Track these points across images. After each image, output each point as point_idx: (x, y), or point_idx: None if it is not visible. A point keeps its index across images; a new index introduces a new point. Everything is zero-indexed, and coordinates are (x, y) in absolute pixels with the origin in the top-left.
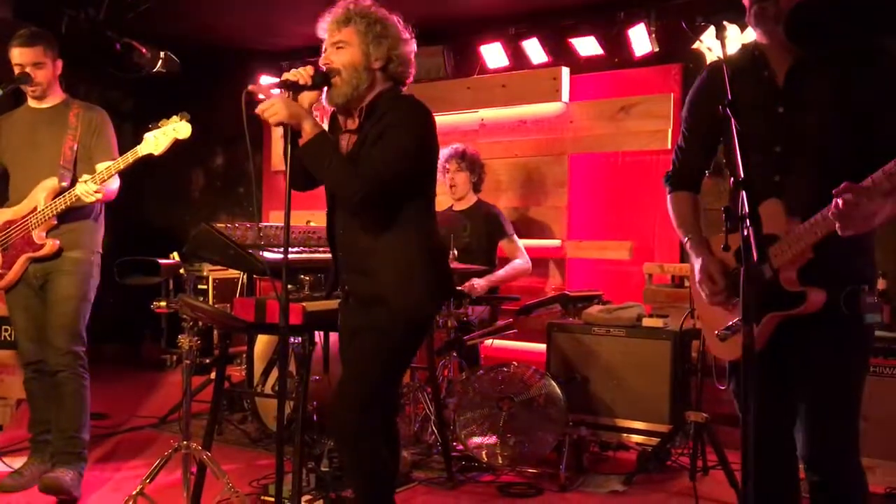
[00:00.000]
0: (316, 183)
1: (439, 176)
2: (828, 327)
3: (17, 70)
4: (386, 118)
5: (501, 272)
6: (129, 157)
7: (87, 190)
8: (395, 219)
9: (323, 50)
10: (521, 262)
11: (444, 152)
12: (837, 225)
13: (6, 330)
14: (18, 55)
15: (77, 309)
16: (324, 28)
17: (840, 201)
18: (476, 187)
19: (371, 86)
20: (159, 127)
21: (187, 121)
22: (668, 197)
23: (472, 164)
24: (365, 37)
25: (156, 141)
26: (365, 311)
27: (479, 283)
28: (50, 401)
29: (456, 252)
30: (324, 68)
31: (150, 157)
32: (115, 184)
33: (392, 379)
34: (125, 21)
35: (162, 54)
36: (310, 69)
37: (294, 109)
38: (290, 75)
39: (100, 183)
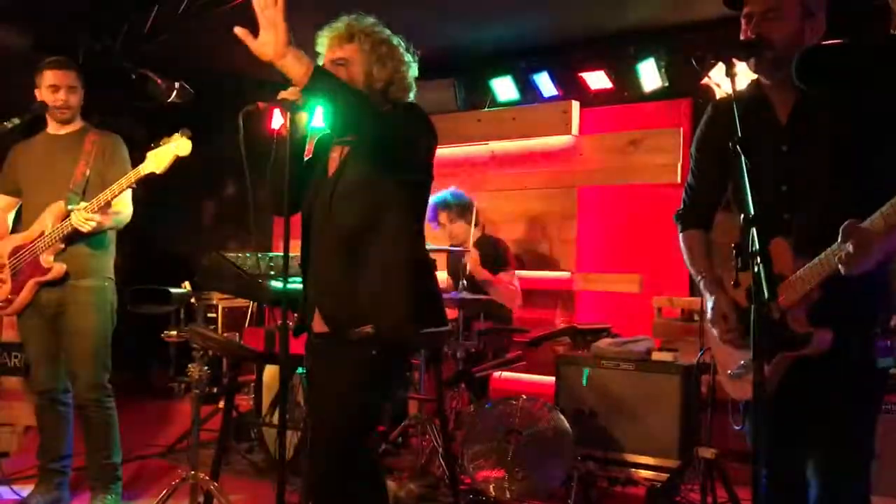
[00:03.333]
0: (298, 207)
1: (433, 228)
2: (839, 372)
3: (50, 91)
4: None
5: (492, 276)
6: (132, 176)
7: (80, 219)
8: (376, 230)
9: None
10: (510, 287)
11: (431, 204)
12: (842, 267)
13: (15, 357)
14: (55, 76)
15: (98, 340)
16: (322, 43)
17: (850, 246)
18: (475, 223)
19: None
20: (161, 145)
21: (188, 138)
22: (680, 236)
23: (461, 210)
24: (369, 56)
25: (157, 159)
26: (335, 349)
27: (472, 258)
28: (60, 429)
29: (465, 283)
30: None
31: (152, 175)
32: (125, 211)
33: (369, 420)
34: (141, 51)
35: (176, 85)
36: None
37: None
38: (287, 93)
39: (97, 209)
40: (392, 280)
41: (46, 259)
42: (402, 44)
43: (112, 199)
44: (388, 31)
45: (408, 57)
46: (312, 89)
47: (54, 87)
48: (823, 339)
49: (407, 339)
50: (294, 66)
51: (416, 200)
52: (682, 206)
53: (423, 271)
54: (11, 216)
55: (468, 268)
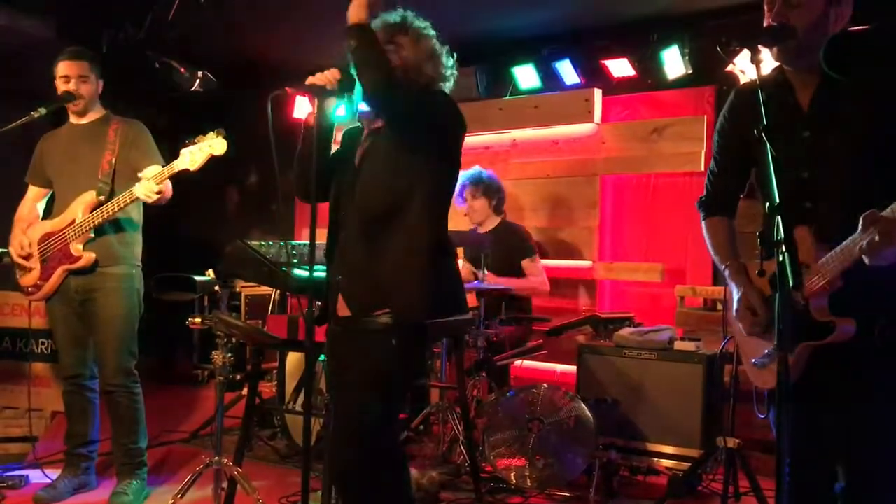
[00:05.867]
0: (325, 196)
1: (457, 201)
2: (862, 361)
3: (62, 81)
4: None
5: (515, 280)
6: (166, 171)
7: (148, 189)
8: (399, 217)
9: None
10: (537, 279)
11: (459, 181)
12: (866, 257)
13: (42, 343)
14: (66, 67)
15: (125, 327)
16: (378, 26)
17: (876, 235)
18: (497, 209)
19: None
20: (195, 143)
21: (223, 137)
22: (703, 223)
23: (488, 190)
24: (420, 53)
25: (192, 156)
26: (355, 338)
27: (488, 275)
28: (87, 414)
29: (487, 270)
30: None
31: (185, 172)
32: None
33: (391, 406)
34: (164, 40)
35: (199, 73)
36: (335, 72)
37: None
38: (316, 79)
39: (160, 183)
40: (411, 268)
41: (76, 247)
42: (448, 56)
43: (161, 182)
44: (436, 37)
45: (448, 70)
46: (356, 33)
47: (65, 78)
48: (846, 329)
49: (423, 327)
50: (355, 8)
51: (440, 188)
52: (704, 193)
53: (443, 260)
54: (42, 205)
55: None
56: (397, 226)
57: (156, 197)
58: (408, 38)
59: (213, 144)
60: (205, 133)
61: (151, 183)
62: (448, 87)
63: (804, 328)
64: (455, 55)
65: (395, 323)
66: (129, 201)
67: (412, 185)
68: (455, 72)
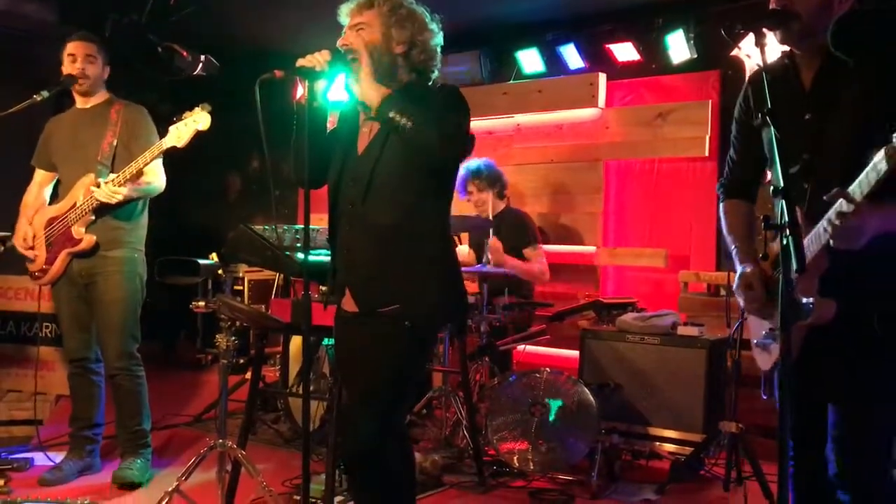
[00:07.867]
0: (322, 182)
1: (460, 196)
2: (861, 344)
3: (69, 60)
4: (428, 99)
5: (518, 263)
6: (155, 150)
7: (106, 192)
8: (412, 224)
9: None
10: (538, 266)
11: (460, 174)
12: (831, 241)
13: (47, 327)
14: (73, 47)
15: (128, 310)
16: (344, 12)
17: (833, 215)
18: (500, 195)
19: (392, 71)
20: (182, 119)
21: (208, 112)
22: (721, 205)
23: (491, 181)
24: (387, 19)
25: (178, 133)
26: (366, 326)
27: (493, 247)
28: (92, 398)
29: (490, 257)
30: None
31: (174, 149)
32: (157, 181)
33: (401, 397)
34: (167, 25)
35: (202, 57)
36: (325, 54)
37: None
38: (305, 61)
39: (122, 182)
40: (425, 275)
41: (78, 230)
42: (427, 13)
43: (136, 171)
44: (410, 0)
45: (432, 25)
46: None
47: (72, 57)
48: (825, 310)
49: (433, 333)
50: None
51: (448, 187)
52: (725, 177)
53: (452, 265)
54: (49, 190)
55: (491, 259)
56: (410, 233)
57: (116, 199)
58: (374, 10)
59: (197, 119)
60: (191, 109)
61: (110, 185)
62: (435, 42)
63: (793, 308)
64: (437, 19)
65: (402, 329)
66: (97, 203)
67: (425, 191)
68: (440, 32)
